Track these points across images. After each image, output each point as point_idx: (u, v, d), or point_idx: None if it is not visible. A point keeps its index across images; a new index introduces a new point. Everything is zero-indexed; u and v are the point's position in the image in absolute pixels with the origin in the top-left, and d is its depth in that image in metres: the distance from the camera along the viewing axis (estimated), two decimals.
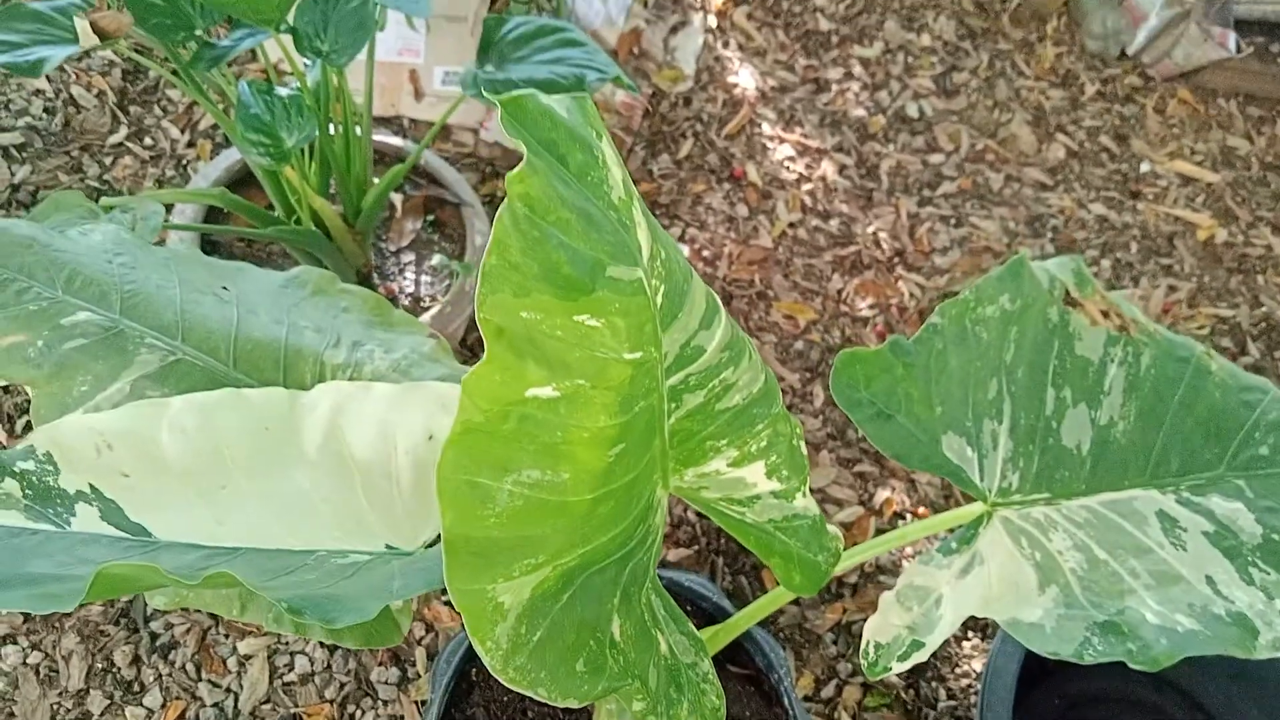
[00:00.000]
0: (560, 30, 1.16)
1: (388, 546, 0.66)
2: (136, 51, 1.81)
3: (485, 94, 1.08)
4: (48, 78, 1.87)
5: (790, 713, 1.18)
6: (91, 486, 0.61)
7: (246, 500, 0.66)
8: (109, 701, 1.33)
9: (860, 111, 2.23)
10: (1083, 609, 0.66)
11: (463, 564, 0.49)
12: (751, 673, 1.22)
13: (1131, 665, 0.62)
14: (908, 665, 0.65)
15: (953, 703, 1.52)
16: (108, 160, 1.79)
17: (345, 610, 0.50)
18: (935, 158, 2.17)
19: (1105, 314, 0.76)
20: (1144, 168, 2.19)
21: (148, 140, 1.83)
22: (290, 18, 1.17)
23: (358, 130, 1.32)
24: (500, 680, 0.52)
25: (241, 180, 1.49)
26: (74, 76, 1.88)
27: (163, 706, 1.34)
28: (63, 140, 1.80)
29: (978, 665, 1.55)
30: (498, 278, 0.44)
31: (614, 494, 0.54)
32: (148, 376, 0.72)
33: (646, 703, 0.58)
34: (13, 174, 1.73)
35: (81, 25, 0.99)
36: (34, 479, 0.60)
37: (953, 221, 2.07)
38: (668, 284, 0.50)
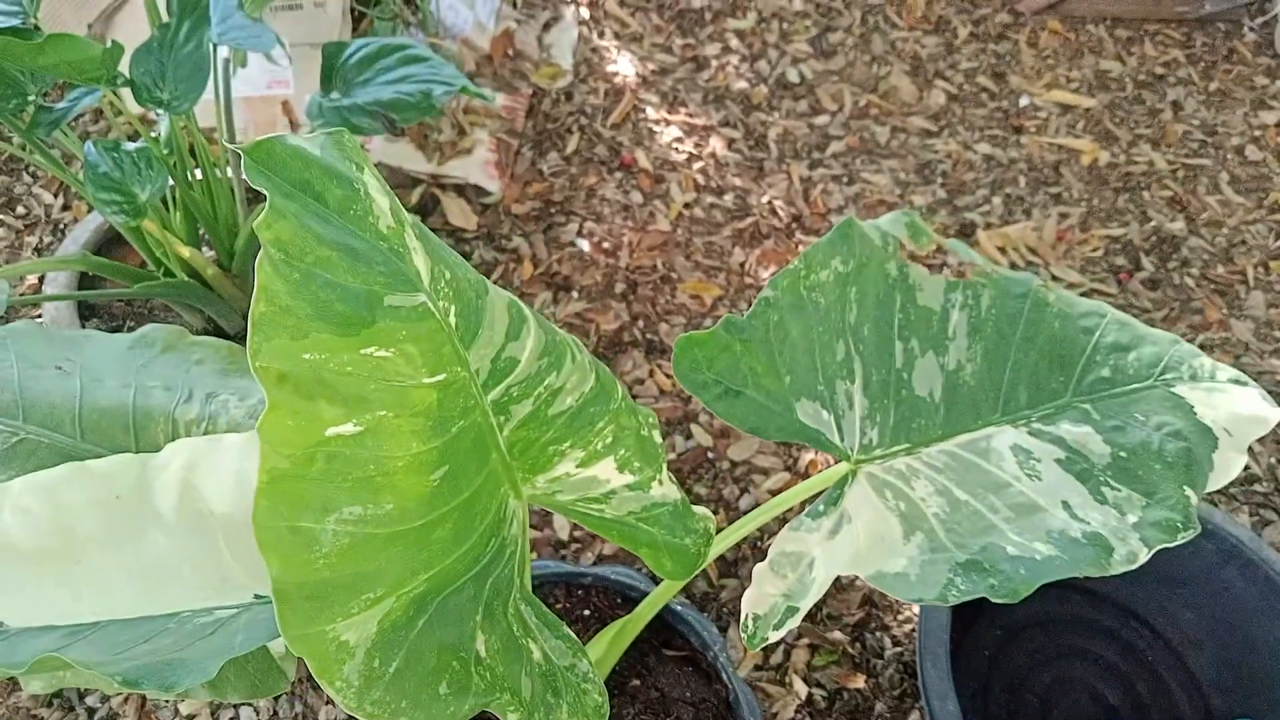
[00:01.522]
0: (402, 48, 1.15)
1: (255, 596, 0.66)
2: None
3: (320, 122, 1.07)
4: None
5: (729, 687, 1.20)
6: None
7: (103, 573, 0.65)
8: None
9: (742, 84, 2.24)
10: (946, 551, 0.68)
11: (296, 610, 0.49)
12: (688, 653, 1.24)
13: (994, 599, 0.64)
14: (782, 633, 0.66)
15: (899, 649, 1.55)
16: None
17: (186, 673, 0.50)
18: (820, 119, 2.19)
19: (942, 262, 0.78)
20: (1023, 101, 2.23)
21: (20, 209, 1.79)
22: (126, 69, 1.15)
23: (219, 173, 1.30)
24: (357, 718, 0.52)
25: (114, 239, 1.46)
26: None
27: None
28: None
29: (918, 610, 1.58)
30: (271, 323, 0.44)
31: (449, 515, 0.54)
32: None
33: (521, 713, 0.58)
34: None
35: None
36: None
37: (845, 180, 2.09)
38: (459, 303, 0.50)
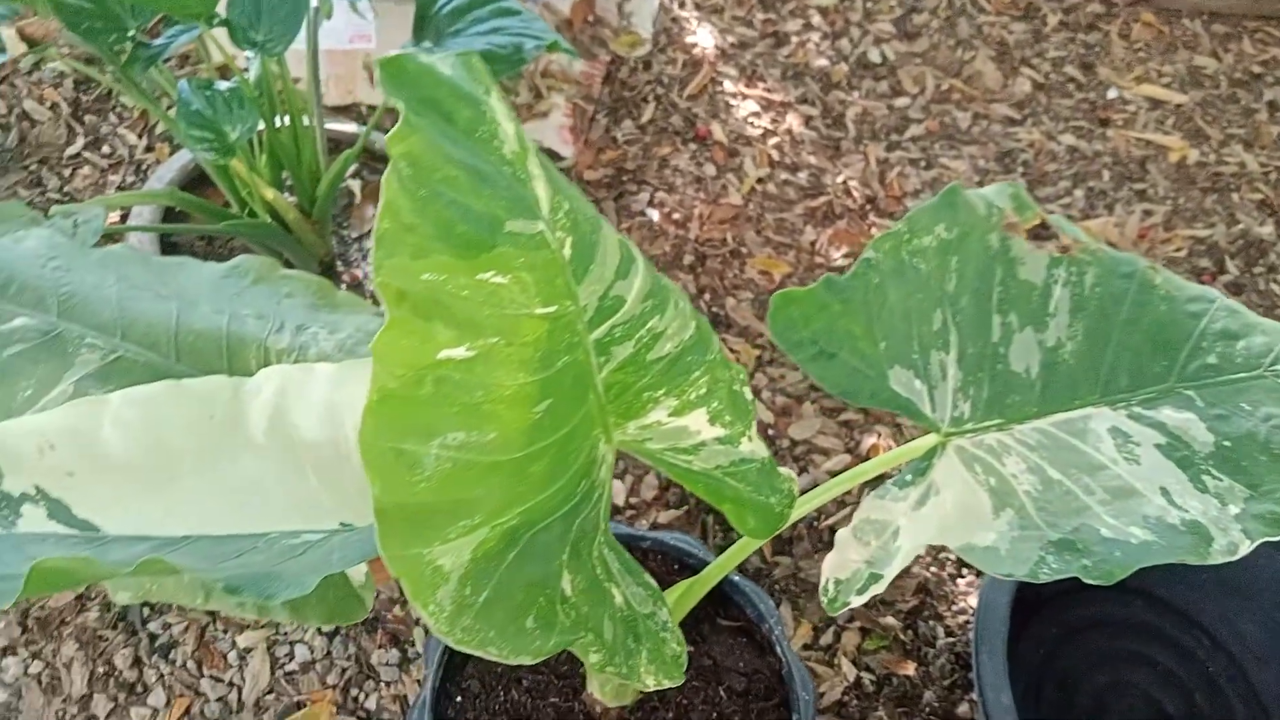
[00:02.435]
0: (495, 0, 1.15)
1: (341, 524, 0.66)
2: (86, 62, 1.80)
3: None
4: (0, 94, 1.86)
5: (784, 660, 1.19)
6: (37, 488, 0.62)
7: (195, 489, 0.66)
8: (113, 704, 1.35)
9: (822, 61, 2.21)
10: (1037, 529, 0.66)
11: (396, 531, 0.49)
12: (743, 624, 1.23)
13: (1087, 580, 0.63)
14: (865, 598, 0.65)
15: (951, 639, 1.53)
16: (66, 172, 1.78)
17: (284, 585, 0.51)
18: (901, 101, 2.15)
19: (1046, 236, 0.76)
20: (1111, 94, 2.17)
21: (105, 148, 1.82)
22: (222, 10, 1.16)
23: (306, 119, 1.31)
24: (448, 642, 0.52)
25: (198, 179, 1.48)
26: (26, 91, 1.87)
27: (167, 705, 1.35)
28: (19, 156, 1.79)
29: (974, 601, 1.56)
30: (393, 240, 0.44)
31: (546, 451, 0.54)
32: (90, 376, 0.72)
33: (603, 654, 0.58)
34: None
35: (8, 33, 0.98)
36: None
37: (922, 164, 2.06)
38: (575, 235, 0.49)
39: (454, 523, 0.51)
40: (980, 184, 2.02)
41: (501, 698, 1.15)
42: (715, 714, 1.16)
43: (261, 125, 1.13)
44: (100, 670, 1.37)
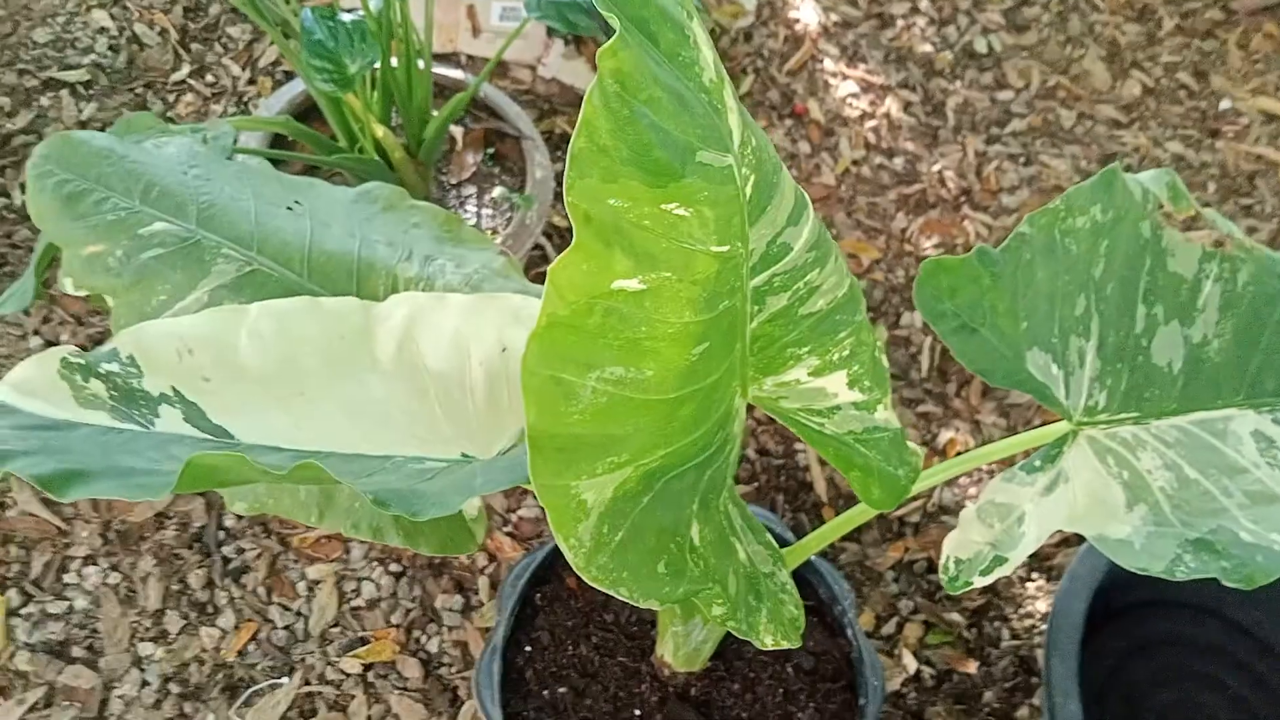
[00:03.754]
0: None
1: (463, 455, 0.66)
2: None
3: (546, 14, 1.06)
4: (111, 15, 1.88)
5: (854, 644, 1.18)
6: (174, 389, 0.62)
7: (323, 406, 0.66)
8: (185, 621, 1.38)
9: (926, 47, 2.16)
10: (1173, 527, 0.64)
11: (547, 460, 0.49)
12: (815, 604, 1.22)
13: (1226, 582, 0.61)
14: (989, 580, 0.64)
15: (1016, 642, 1.51)
16: (171, 97, 1.80)
17: (429, 504, 0.50)
18: (1004, 94, 2.10)
19: (1201, 229, 0.73)
20: (1224, 105, 2.10)
21: (209, 77, 1.84)
22: None
23: (420, 62, 1.31)
24: (584, 578, 0.52)
25: (303, 114, 1.49)
26: (137, 14, 1.89)
27: (235, 627, 1.38)
28: (127, 77, 1.82)
29: (1042, 606, 1.53)
30: (586, 161, 0.43)
31: (696, 395, 0.53)
32: (224, 286, 0.72)
33: (727, 608, 0.57)
34: (80, 111, 1.75)
35: None
36: (119, 380, 0.61)
37: (1022, 160, 2.01)
38: (758, 173, 0.48)
39: (603, 458, 0.50)
40: None
41: (570, 651, 1.15)
42: (781, 690, 1.15)
43: (378, 62, 1.13)
44: (174, 587, 1.39)
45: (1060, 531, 0.67)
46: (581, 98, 1.76)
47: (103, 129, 1.75)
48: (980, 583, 0.64)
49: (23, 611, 1.34)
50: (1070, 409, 0.71)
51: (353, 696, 1.35)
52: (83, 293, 0.72)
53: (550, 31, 1.92)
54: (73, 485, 0.51)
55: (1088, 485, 0.67)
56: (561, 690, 1.12)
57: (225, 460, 0.48)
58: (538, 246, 1.74)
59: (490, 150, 1.54)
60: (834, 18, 2.19)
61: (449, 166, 1.51)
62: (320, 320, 0.68)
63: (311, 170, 1.45)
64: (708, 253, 0.48)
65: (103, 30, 1.85)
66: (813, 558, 1.20)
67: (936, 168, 1.98)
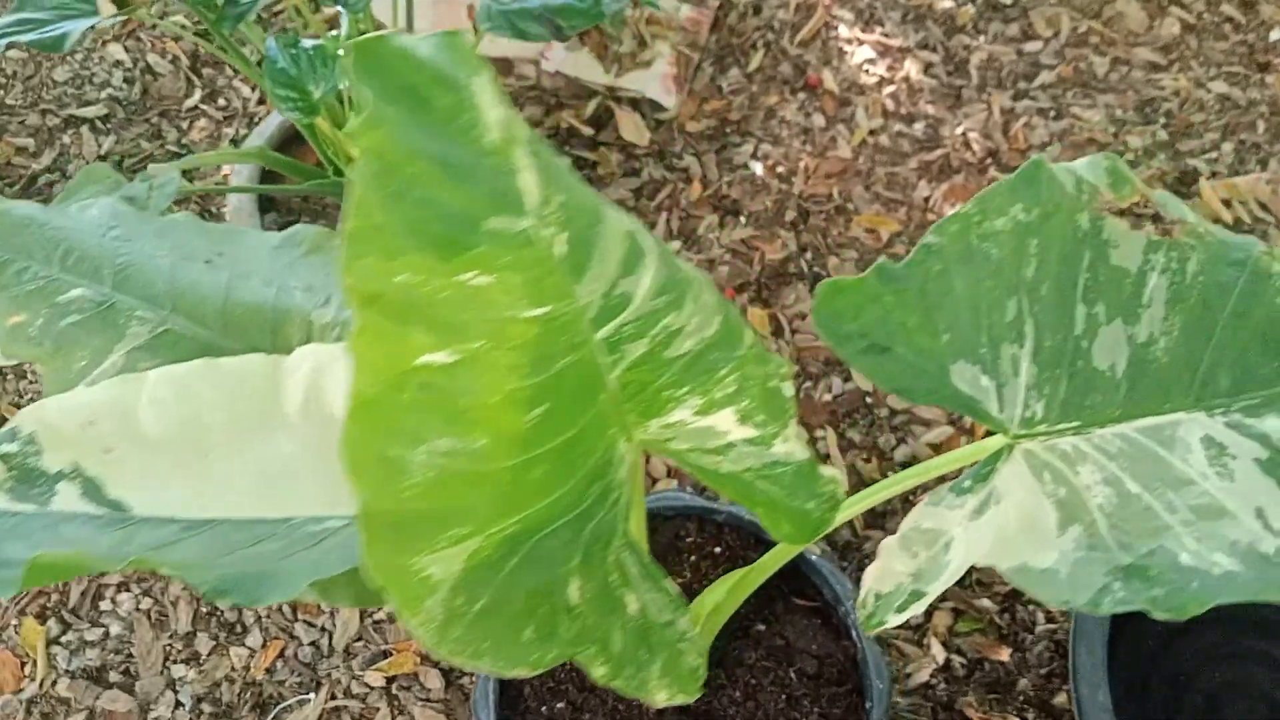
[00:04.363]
0: None
1: None
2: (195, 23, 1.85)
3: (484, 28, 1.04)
4: (125, 47, 1.93)
5: (858, 645, 1.15)
6: (75, 464, 0.63)
7: (226, 470, 0.66)
8: (215, 642, 1.42)
9: (947, 3, 2.06)
10: (1106, 551, 0.60)
11: (381, 540, 0.48)
12: (819, 605, 1.19)
13: (1155, 615, 0.56)
14: (904, 618, 0.60)
15: (1051, 625, 1.45)
16: (184, 124, 1.84)
17: (272, 588, 0.50)
18: (1031, 46, 1.99)
19: (1146, 216, 0.67)
20: (1274, 36, 1.95)
21: (220, 100, 1.88)
22: None
23: None
24: (435, 655, 0.51)
25: (297, 135, 1.50)
26: (149, 44, 1.94)
27: (263, 645, 1.42)
28: (142, 108, 1.86)
29: None
30: (363, 240, 0.41)
31: (546, 457, 0.51)
32: (139, 349, 0.73)
33: (609, 667, 0.55)
34: (99, 145, 1.80)
35: None
36: (17, 460, 0.62)
37: (1052, 114, 1.91)
38: (570, 230, 0.45)
39: (443, 532, 0.49)
40: (1116, 136, 1.86)
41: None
42: (784, 696, 1.12)
43: (342, 84, 1.13)
44: (203, 610, 1.44)
45: None
46: (587, 90, 1.72)
47: (120, 162, 1.80)
48: (894, 621, 0.60)
49: (62, 639, 1.40)
50: (1005, 422, 0.67)
51: (377, 709, 1.37)
52: (13, 361, 0.74)
53: None
54: None
55: (1020, 505, 0.63)
56: (559, 705, 1.12)
57: (66, 558, 0.49)
58: None
59: None
60: None
61: None
62: (222, 381, 0.68)
63: (305, 197, 1.46)
64: (520, 318, 0.46)
65: (118, 64, 1.90)
66: (814, 558, 1.17)
67: (960, 130, 1.89)
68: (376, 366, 0.44)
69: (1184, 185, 1.77)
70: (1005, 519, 0.63)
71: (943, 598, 1.47)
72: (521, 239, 0.44)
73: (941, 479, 0.70)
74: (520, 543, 0.53)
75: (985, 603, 1.45)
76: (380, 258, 0.42)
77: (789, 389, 0.63)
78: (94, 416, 0.65)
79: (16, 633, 1.42)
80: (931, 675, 1.41)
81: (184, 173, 1.23)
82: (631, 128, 1.89)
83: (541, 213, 0.44)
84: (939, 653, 1.42)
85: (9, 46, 0.99)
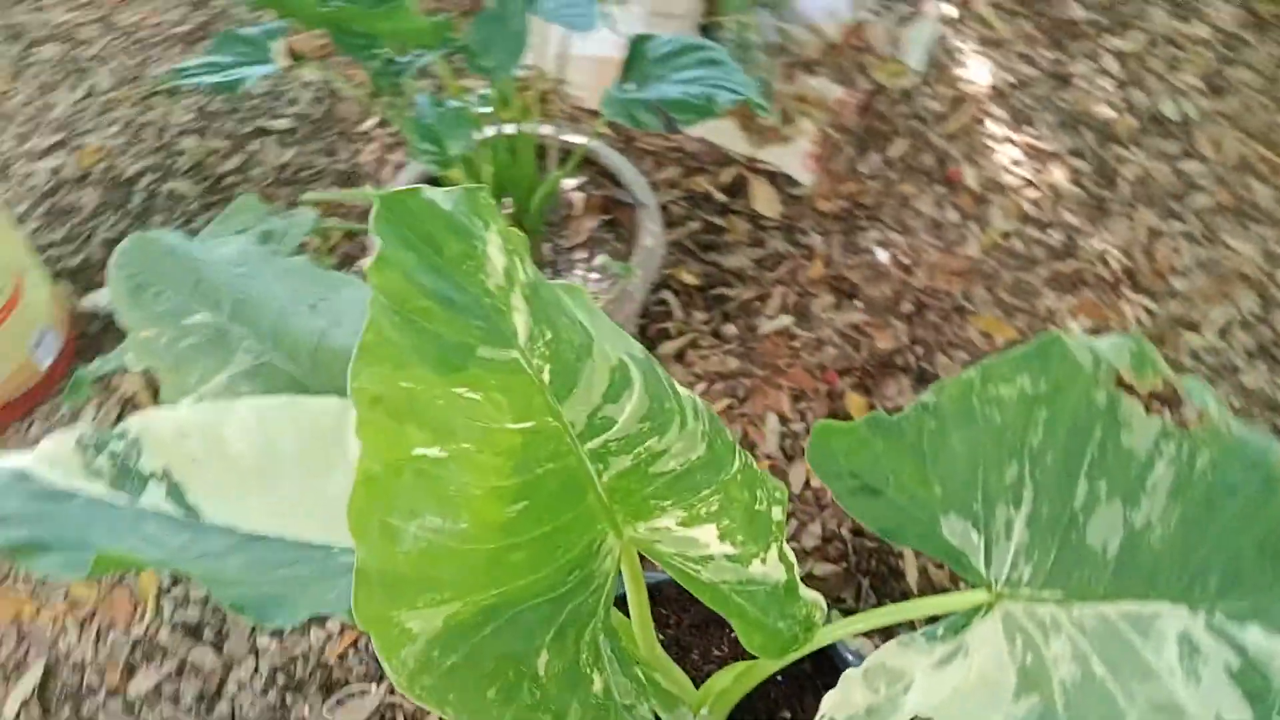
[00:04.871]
0: (702, 49, 1.18)
1: None
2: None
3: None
4: (316, 70, 2.13)
5: None
6: (164, 469, 0.74)
7: (289, 494, 0.76)
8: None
9: (1106, 111, 2.03)
10: None
11: (372, 594, 0.56)
12: None
13: None
14: None
15: None
16: (357, 145, 2.02)
17: (281, 612, 0.59)
18: (1190, 165, 1.93)
19: (1163, 402, 0.68)
20: None
21: (391, 127, 2.05)
22: (465, 37, 1.27)
23: (533, 128, 1.41)
24: (406, 695, 0.58)
25: (435, 181, 1.64)
26: (337, 71, 2.14)
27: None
28: (324, 127, 2.05)
29: None
30: (374, 352, 0.50)
31: (524, 545, 0.58)
32: (241, 374, 0.84)
33: None
34: (281, 156, 2.00)
35: (278, 48, 1.14)
36: (119, 457, 0.73)
37: (1202, 239, 1.84)
38: (555, 363, 0.52)
39: (425, 594, 0.56)
40: (1269, 274, 1.78)
41: None
42: None
43: (473, 145, 1.24)
44: None
45: None
46: (727, 156, 1.79)
47: (297, 173, 1.99)
48: None
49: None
50: (990, 579, 0.69)
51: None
52: (141, 368, 0.87)
53: None
54: (33, 555, 0.63)
55: (983, 665, 0.65)
56: None
57: (125, 556, 0.59)
58: (661, 302, 1.80)
59: (607, 217, 1.63)
60: (1007, 76, 2.10)
61: (566, 230, 1.61)
62: (300, 417, 0.78)
63: None
64: (506, 429, 0.53)
65: (308, 84, 2.11)
66: (846, 650, 1.19)
67: (1098, 244, 1.85)
68: (381, 452, 0.52)
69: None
70: (967, 675, 0.65)
71: None
72: (511, 366, 0.51)
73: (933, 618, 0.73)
74: (497, 613, 0.59)
75: None
76: (387, 368, 0.50)
77: (778, 513, 0.68)
78: (189, 430, 0.76)
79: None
80: None
81: (330, 208, 1.37)
82: (764, 199, 1.95)
83: (530, 346, 0.51)
84: None
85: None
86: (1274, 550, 0.64)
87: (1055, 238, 1.88)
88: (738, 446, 0.64)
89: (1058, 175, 1.95)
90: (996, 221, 1.90)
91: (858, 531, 1.60)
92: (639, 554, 0.70)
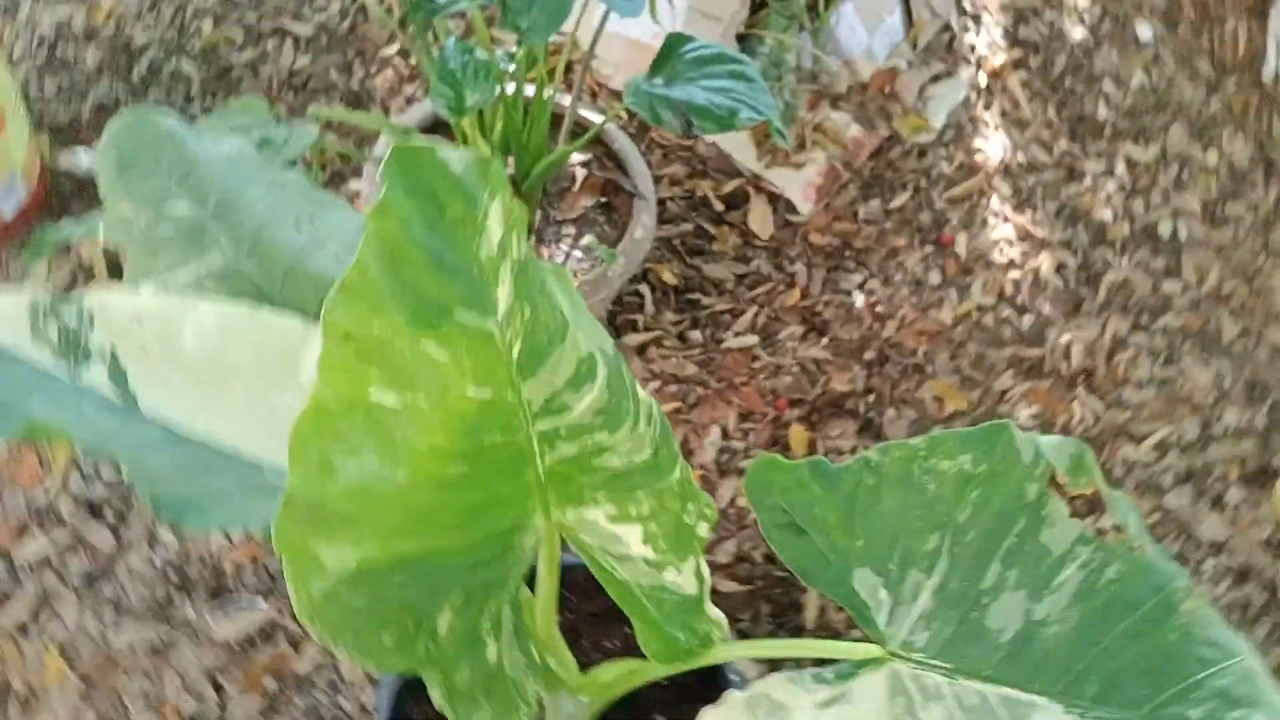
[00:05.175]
0: (736, 62, 1.19)
1: None
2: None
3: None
4: None
5: None
6: (113, 350, 0.74)
7: (233, 405, 0.76)
8: None
9: (1106, 214, 2.07)
10: None
11: (294, 520, 0.56)
12: None
13: None
14: None
15: None
16: (373, 68, 2.00)
17: (197, 518, 0.59)
18: (1170, 285, 1.98)
19: (1090, 508, 0.71)
20: None
21: (412, 59, 2.03)
22: None
23: (552, 95, 1.41)
24: (305, 626, 0.59)
25: (435, 125, 1.63)
26: None
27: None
28: (345, 42, 2.03)
29: None
30: (356, 289, 0.50)
31: (455, 507, 0.59)
32: (212, 275, 0.84)
33: (443, 694, 0.62)
34: (294, 61, 1.97)
35: None
36: (70, 329, 0.73)
37: (1162, 359, 1.89)
38: (526, 342, 0.53)
39: (346, 531, 0.57)
40: (1214, 405, 1.83)
41: None
42: None
43: (492, 101, 1.24)
44: None
45: None
46: (734, 168, 1.80)
47: (306, 82, 1.97)
48: None
49: (83, 467, 1.55)
50: (886, 637, 0.71)
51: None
52: (110, 245, 0.86)
53: None
54: None
55: (862, 716, 0.68)
56: None
57: (52, 428, 0.59)
58: (636, 294, 1.81)
59: (604, 199, 1.63)
60: (1020, 158, 2.13)
61: (561, 203, 1.61)
62: (260, 329, 0.78)
63: None
64: (464, 393, 0.54)
65: None
66: (733, 674, 1.22)
67: (1065, 339, 1.90)
68: (337, 386, 0.53)
69: (1260, 478, 1.74)
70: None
71: None
72: (484, 334, 0.52)
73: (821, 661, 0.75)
74: (411, 566, 0.60)
75: None
76: (364, 308, 0.50)
77: (704, 530, 0.69)
78: (145, 317, 0.76)
79: (50, 442, 1.56)
80: None
81: (329, 125, 1.36)
82: (760, 218, 1.97)
83: (507, 320, 0.52)
84: None
85: None
86: (1157, 670, 0.67)
87: (1026, 322, 1.92)
88: (681, 459, 0.66)
89: (1044, 264, 1.99)
90: (975, 294, 1.94)
91: (770, 559, 1.63)
92: (562, 538, 0.71)
